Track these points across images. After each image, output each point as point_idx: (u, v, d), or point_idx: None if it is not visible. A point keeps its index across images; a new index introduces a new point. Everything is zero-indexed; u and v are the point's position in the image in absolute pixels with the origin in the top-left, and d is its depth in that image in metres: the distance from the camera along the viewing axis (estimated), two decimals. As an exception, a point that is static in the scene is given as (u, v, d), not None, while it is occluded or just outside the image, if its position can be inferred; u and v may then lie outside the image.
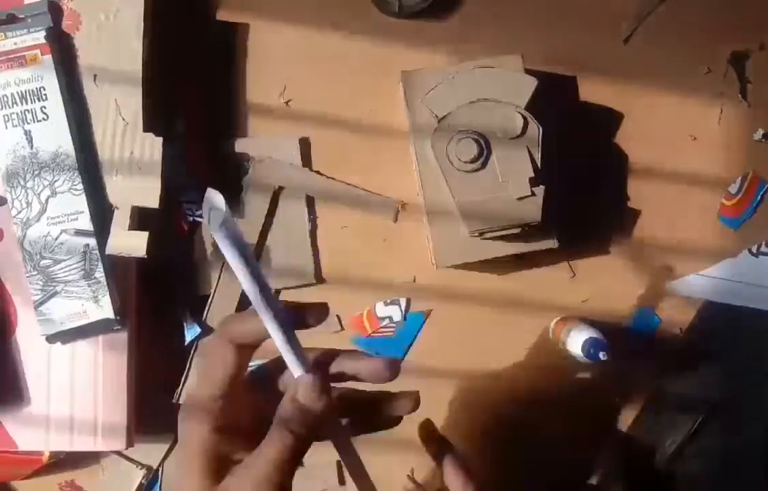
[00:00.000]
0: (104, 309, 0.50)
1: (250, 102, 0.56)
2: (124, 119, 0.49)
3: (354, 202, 0.56)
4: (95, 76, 0.49)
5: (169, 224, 0.55)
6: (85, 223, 0.49)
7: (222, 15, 0.56)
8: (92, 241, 0.49)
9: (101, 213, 0.49)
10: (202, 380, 0.36)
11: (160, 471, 0.57)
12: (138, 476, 0.56)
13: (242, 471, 0.34)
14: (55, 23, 0.49)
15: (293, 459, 0.34)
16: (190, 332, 0.55)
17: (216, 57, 0.56)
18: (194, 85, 0.55)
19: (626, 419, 0.59)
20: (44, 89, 0.48)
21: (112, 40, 0.49)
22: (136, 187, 0.49)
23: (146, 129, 0.50)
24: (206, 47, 0.56)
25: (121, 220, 0.49)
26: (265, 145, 0.56)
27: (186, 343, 0.55)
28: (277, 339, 0.32)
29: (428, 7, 0.55)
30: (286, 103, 0.56)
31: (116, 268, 0.50)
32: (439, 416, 0.58)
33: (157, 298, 0.55)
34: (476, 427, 0.58)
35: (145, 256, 0.48)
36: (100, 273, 0.49)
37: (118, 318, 0.50)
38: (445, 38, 0.57)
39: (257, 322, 0.33)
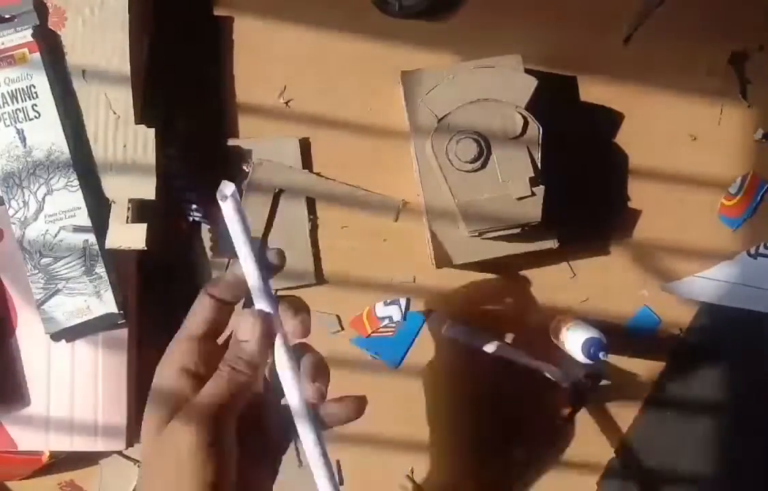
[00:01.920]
0: (107, 303, 0.50)
1: (250, 102, 0.56)
2: (115, 113, 0.49)
3: (355, 202, 0.56)
4: (84, 71, 0.49)
5: (169, 225, 0.55)
6: (83, 218, 0.49)
7: (221, 15, 0.56)
8: (91, 237, 0.49)
9: (99, 208, 0.49)
10: (181, 327, 0.38)
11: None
12: (136, 474, 0.56)
13: (188, 407, 0.35)
14: (41, 21, 0.49)
15: (232, 397, 0.35)
16: None
17: (215, 57, 0.56)
18: (193, 84, 0.55)
19: (626, 419, 0.59)
20: (34, 87, 0.48)
21: (98, 34, 0.49)
22: (132, 179, 0.50)
23: (138, 121, 0.50)
24: (205, 47, 0.56)
25: (118, 214, 0.49)
26: (265, 145, 0.56)
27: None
28: (251, 275, 0.36)
29: (428, 7, 0.55)
30: (286, 103, 0.56)
31: (117, 265, 0.50)
32: (438, 416, 0.58)
33: (158, 298, 0.55)
34: (475, 427, 0.58)
35: (145, 248, 0.48)
36: (100, 269, 0.49)
37: (121, 312, 0.50)
38: (445, 38, 0.57)
39: (235, 281, 0.37)
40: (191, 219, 0.55)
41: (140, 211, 0.50)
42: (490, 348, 0.56)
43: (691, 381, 0.59)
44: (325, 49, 0.56)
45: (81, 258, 0.49)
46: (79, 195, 0.49)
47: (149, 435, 0.35)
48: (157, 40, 0.54)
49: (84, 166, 0.49)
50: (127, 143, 0.50)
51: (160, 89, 0.54)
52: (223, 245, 0.55)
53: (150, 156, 0.49)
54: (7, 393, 0.51)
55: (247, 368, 0.35)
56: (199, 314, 0.37)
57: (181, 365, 0.36)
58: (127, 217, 0.49)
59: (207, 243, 0.56)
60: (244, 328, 0.36)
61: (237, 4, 0.56)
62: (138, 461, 0.56)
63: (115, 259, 0.50)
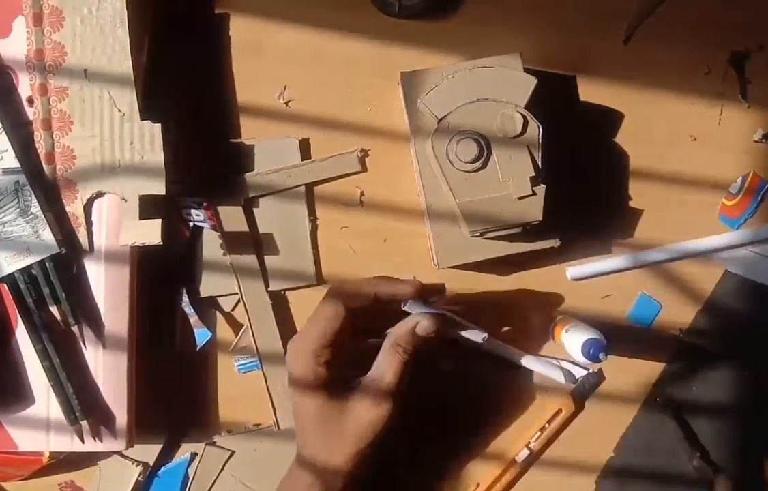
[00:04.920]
0: (47, 243, 0.50)
1: (249, 103, 0.56)
2: (120, 111, 0.49)
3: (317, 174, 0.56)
4: (86, 71, 0.49)
5: (170, 230, 0.54)
6: (11, 160, 0.49)
7: (220, 14, 0.56)
8: (21, 177, 0.49)
9: (25, 147, 0.50)
10: (312, 329, 0.48)
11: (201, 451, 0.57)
12: (134, 473, 0.56)
13: (368, 384, 0.48)
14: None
15: (407, 372, 0.48)
16: (200, 336, 0.55)
17: (215, 57, 0.56)
18: (193, 84, 0.55)
19: (626, 419, 0.59)
20: None
21: (98, 33, 0.49)
22: (141, 176, 0.50)
23: (143, 117, 0.50)
24: (205, 46, 0.56)
25: (130, 211, 0.49)
26: (264, 146, 0.56)
27: (198, 349, 0.55)
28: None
29: (428, 7, 0.55)
30: (286, 103, 0.56)
31: (110, 266, 0.50)
32: (437, 416, 0.58)
33: (158, 300, 0.55)
34: (474, 426, 0.58)
35: (161, 242, 0.48)
36: (36, 209, 0.49)
37: (63, 249, 0.50)
38: (445, 38, 0.57)
39: (366, 288, 0.49)
40: (192, 224, 0.55)
41: (146, 208, 0.50)
42: (488, 344, 0.54)
43: (690, 382, 0.59)
44: (325, 49, 0.56)
45: (15, 201, 0.49)
46: (4, 137, 0.49)
47: (312, 419, 0.48)
48: (156, 40, 0.54)
49: (4, 107, 0.49)
50: (134, 140, 0.50)
51: (159, 89, 0.53)
52: (232, 247, 0.55)
53: (158, 151, 0.50)
54: (8, 393, 0.51)
55: (410, 354, 0.48)
56: (332, 324, 0.48)
57: (321, 362, 0.47)
58: (139, 215, 0.49)
59: (207, 245, 0.56)
60: (425, 325, 0.48)
61: (237, 4, 0.56)
62: (137, 461, 0.56)
63: (50, 195, 0.50)
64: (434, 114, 0.51)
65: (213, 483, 0.56)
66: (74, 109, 0.50)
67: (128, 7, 0.49)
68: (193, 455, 0.57)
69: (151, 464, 0.56)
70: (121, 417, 0.51)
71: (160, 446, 0.56)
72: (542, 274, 0.58)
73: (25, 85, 0.50)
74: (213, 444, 0.56)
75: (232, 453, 0.56)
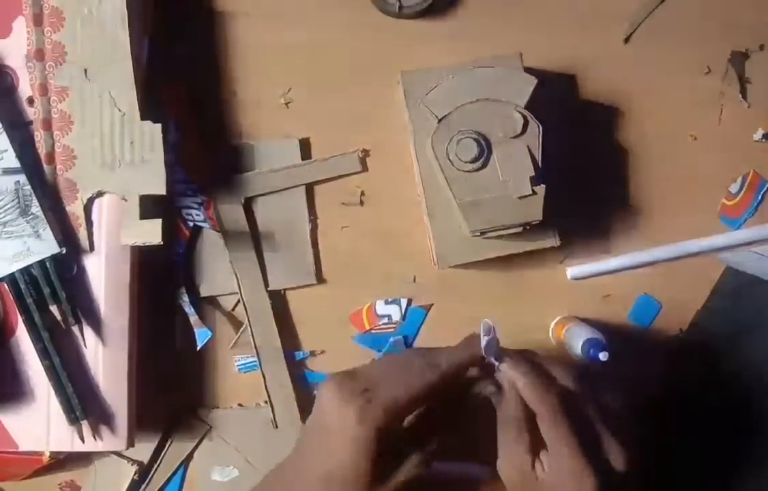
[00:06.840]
0: (47, 242, 0.49)
1: (249, 103, 0.56)
2: (120, 110, 0.49)
3: (318, 173, 0.56)
4: (86, 71, 0.49)
5: (170, 230, 0.54)
6: (11, 160, 0.49)
7: (220, 15, 0.56)
8: (22, 177, 0.49)
9: (26, 147, 0.50)
10: (391, 385, 0.41)
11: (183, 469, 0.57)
12: (130, 472, 0.56)
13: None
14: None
15: None
16: (201, 336, 0.55)
17: (215, 57, 0.56)
18: (192, 85, 0.55)
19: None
20: None
21: (98, 33, 0.49)
22: (141, 175, 0.50)
23: (143, 117, 0.50)
24: (204, 47, 0.56)
25: (131, 210, 0.49)
26: (265, 146, 0.56)
27: (198, 348, 0.55)
28: None
29: (428, 7, 0.55)
30: (287, 103, 0.56)
31: (110, 266, 0.50)
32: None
33: (159, 302, 0.55)
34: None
35: (161, 242, 0.48)
36: (36, 208, 0.49)
37: (63, 249, 0.50)
38: (445, 38, 0.57)
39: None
40: (192, 224, 0.55)
41: (146, 207, 0.50)
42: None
43: (690, 382, 0.59)
44: (325, 49, 0.56)
45: (15, 200, 0.49)
46: (5, 137, 0.49)
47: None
48: (156, 40, 0.54)
49: (5, 108, 0.49)
50: (134, 140, 0.50)
51: (159, 89, 0.53)
52: (232, 246, 0.55)
53: (158, 151, 0.50)
54: (7, 393, 0.51)
55: None
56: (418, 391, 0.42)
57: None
58: (140, 214, 0.49)
59: (207, 245, 0.56)
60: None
61: (237, 4, 0.56)
62: (134, 460, 0.56)
63: (52, 196, 0.50)
64: (434, 114, 0.51)
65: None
66: (74, 109, 0.50)
67: (128, 7, 0.49)
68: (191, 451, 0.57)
69: (146, 463, 0.56)
70: (121, 417, 0.51)
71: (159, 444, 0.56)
72: (542, 274, 0.58)
73: (25, 85, 0.50)
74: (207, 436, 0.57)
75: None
